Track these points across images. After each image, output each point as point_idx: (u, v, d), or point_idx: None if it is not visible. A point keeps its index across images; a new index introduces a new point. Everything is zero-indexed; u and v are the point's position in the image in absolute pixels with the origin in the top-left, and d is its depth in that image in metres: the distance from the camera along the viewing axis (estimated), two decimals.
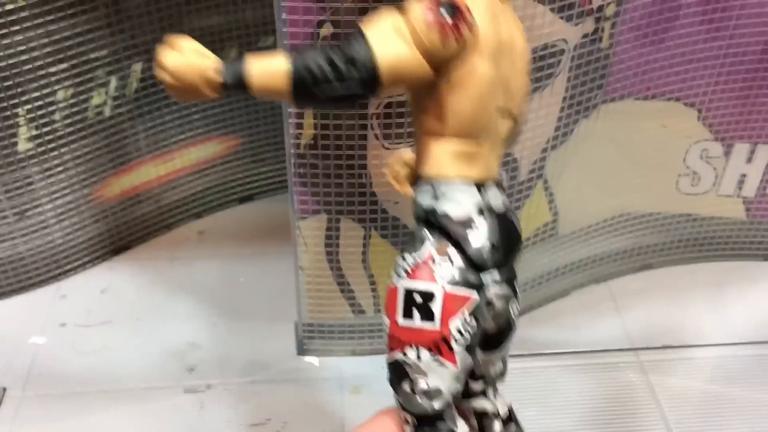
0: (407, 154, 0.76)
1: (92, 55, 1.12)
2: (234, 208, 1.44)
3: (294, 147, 0.92)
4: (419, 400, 0.56)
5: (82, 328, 1.19)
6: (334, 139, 0.91)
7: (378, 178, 0.96)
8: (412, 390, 0.56)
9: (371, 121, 0.90)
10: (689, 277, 1.31)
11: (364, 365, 1.15)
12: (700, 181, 1.24)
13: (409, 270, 0.55)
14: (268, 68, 0.54)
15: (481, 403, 0.64)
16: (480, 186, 0.57)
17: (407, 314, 0.54)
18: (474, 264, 0.55)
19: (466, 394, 0.63)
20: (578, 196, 1.17)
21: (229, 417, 1.06)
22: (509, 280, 0.59)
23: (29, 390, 1.09)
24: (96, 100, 1.17)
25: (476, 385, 0.64)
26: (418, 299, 0.54)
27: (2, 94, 1.06)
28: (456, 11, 0.54)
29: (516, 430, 0.69)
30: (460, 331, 0.54)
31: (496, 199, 0.59)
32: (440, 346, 0.55)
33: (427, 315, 0.54)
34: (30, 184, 1.16)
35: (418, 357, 0.55)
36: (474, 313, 0.56)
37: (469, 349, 0.57)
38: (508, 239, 0.58)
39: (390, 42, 0.54)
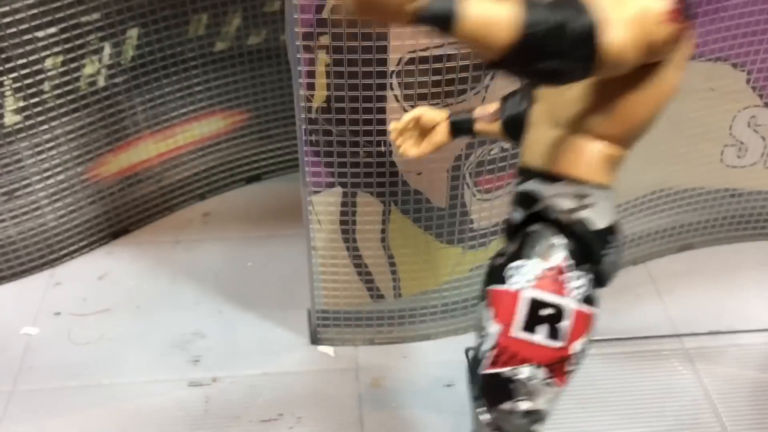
0: (428, 112, 0.70)
1: (83, 19, 1.03)
2: (241, 188, 1.35)
3: (305, 111, 0.82)
4: (520, 422, 0.51)
5: (77, 318, 1.10)
6: (349, 101, 0.81)
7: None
8: (512, 409, 0.51)
9: (390, 79, 0.80)
10: (735, 258, 1.21)
11: (384, 355, 1.05)
12: (747, 152, 1.14)
13: (537, 277, 0.51)
14: (491, 14, 0.45)
15: None
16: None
17: (529, 327, 0.50)
18: (600, 281, 0.53)
19: None
20: None
21: (237, 412, 0.97)
22: None
23: (20, 384, 1.00)
24: (88, 69, 1.07)
25: None
26: (546, 313, 0.50)
27: None
28: (689, 12, 0.50)
29: None
30: (579, 353, 0.51)
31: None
32: (558, 367, 0.51)
33: (554, 332, 0.50)
34: (19, 161, 1.07)
35: (532, 376, 0.51)
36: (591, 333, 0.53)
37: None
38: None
39: (622, 26, 0.47)
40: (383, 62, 0.78)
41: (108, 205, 1.20)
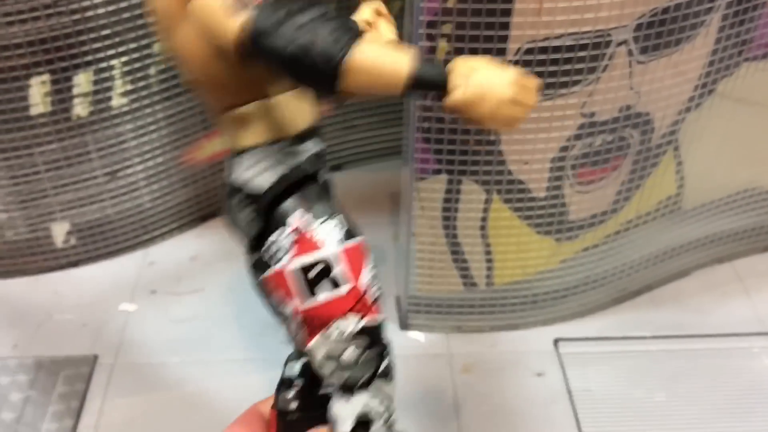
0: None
1: None
2: None
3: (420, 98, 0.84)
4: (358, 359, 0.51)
5: (173, 296, 1.13)
6: None
7: (508, 134, 0.87)
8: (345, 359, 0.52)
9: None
10: None
11: (472, 343, 1.07)
12: None
13: (287, 247, 0.51)
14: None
15: None
16: None
17: (312, 292, 0.50)
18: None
19: None
20: (708, 166, 1.07)
21: None
22: None
23: (121, 358, 1.04)
24: None
25: None
26: (317, 272, 0.49)
27: (99, 44, 1.00)
28: None
29: None
30: (371, 281, 0.52)
31: None
32: (360, 306, 0.50)
33: (334, 282, 0.49)
34: (122, 142, 1.11)
35: (344, 328, 0.50)
36: None
37: None
38: None
39: None
40: (502, 51, 0.80)
41: (200, 188, 1.23)
